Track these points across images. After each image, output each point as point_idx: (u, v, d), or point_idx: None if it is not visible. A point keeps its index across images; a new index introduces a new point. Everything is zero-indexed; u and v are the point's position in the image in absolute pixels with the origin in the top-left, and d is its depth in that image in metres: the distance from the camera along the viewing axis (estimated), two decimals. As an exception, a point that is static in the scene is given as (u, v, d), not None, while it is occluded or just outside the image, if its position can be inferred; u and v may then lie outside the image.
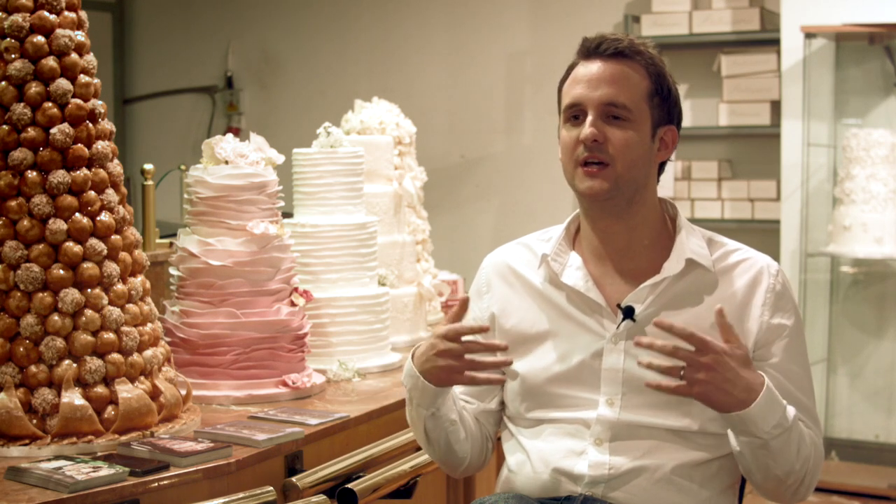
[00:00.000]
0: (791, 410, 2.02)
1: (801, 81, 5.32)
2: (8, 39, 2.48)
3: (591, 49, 2.13)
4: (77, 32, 2.55)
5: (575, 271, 2.18)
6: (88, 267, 2.49)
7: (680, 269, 2.13)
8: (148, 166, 3.58)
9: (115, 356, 2.49)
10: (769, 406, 1.97)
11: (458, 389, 2.29)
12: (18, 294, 2.44)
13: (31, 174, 2.46)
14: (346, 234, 3.39)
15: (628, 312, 2.10)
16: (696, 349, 1.93)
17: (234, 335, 2.95)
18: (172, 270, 3.05)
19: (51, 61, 2.49)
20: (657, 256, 2.16)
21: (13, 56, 2.48)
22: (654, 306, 2.12)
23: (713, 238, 2.20)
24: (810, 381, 2.16)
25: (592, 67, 2.12)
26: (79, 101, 2.52)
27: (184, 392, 2.68)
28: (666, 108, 2.14)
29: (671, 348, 1.92)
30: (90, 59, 2.58)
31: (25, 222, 2.45)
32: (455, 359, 2.06)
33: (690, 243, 2.15)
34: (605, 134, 2.09)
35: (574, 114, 2.13)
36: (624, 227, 2.15)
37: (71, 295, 2.45)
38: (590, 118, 2.10)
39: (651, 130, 2.13)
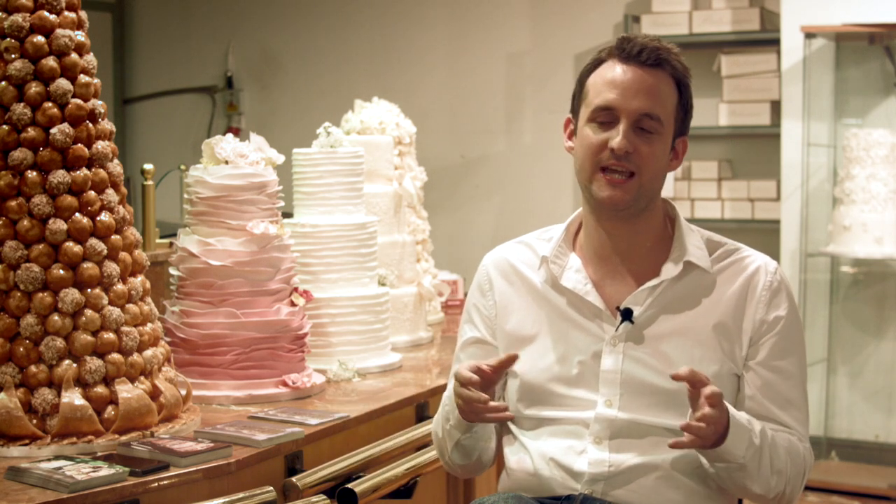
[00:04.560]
0: (756, 425, 2.03)
1: (801, 81, 5.31)
2: (8, 39, 2.48)
3: (632, 54, 2.09)
4: (77, 32, 2.55)
5: (574, 274, 2.18)
6: (88, 267, 2.48)
7: (678, 272, 2.13)
8: (148, 166, 3.58)
9: (115, 356, 2.49)
10: (738, 433, 1.99)
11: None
12: (18, 294, 2.44)
13: (31, 174, 2.46)
14: (346, 234, 3.40)
15: (626, 315, 2.10)
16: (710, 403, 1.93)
17: (234, 335, 2.95)
18: (172, 270, 3.05)
19: (51, 61, 2.49)
20: (657, 258, 2.16)
21: (13, 56, 2.48)
22: (652, 309, 2.13)
23: (711, 238, 2.21)
24: (803, 380, 2.15)
25: (631, 74, 2.08)
26: (79, 101, 2.52)
27: (184, 392, 2.68)
28: (685, 120, 2.16)
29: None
30: (90, 59, 2.58)
31: (25, 222, 2.45)
32: (468, 404, 2.05)
33: (689, 245, 2.15)
34: (633, 145, 2.08)
35: (605, 118, 2.09)
36: (629, 229, 2.16)
37: (71, 295, 2.45)
38: (622, 127, 2.07)
39: (671, 142, 2.14)
